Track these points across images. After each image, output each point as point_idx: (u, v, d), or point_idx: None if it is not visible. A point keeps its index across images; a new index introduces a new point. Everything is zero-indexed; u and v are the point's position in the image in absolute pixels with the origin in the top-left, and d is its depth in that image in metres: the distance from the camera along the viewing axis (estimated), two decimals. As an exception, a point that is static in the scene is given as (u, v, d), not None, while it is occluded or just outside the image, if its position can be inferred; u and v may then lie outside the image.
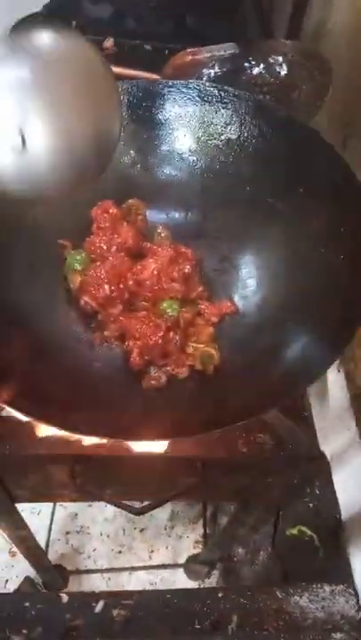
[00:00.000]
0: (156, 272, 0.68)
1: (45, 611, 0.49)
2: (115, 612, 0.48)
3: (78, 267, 0.69)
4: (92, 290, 0.67)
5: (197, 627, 0.47)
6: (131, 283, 0.68)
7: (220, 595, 0.50)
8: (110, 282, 0.67)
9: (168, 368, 0.64)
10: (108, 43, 1.07)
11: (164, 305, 0.67)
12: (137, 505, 0.68)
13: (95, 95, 0.49)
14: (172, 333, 0.65)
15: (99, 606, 0.48)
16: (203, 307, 0.70)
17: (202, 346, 0.66)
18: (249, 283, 0.71)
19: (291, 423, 0.58)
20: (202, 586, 1.30)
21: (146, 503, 0.61)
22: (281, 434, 0.60)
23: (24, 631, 0.49)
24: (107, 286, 0.67)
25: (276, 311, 0.66)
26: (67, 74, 0.47)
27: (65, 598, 0.49)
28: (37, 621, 0.48)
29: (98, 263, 0.68)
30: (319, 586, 0.53)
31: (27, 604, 0.49)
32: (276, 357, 0.61)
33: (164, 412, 0.61)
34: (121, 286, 0.68)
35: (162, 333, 0.64)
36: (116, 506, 0.57)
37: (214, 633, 0.46)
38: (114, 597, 0.49)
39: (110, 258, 0.69)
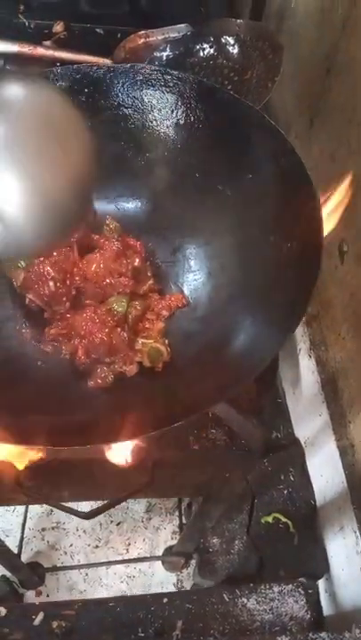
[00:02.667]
0: (102, 266, 0.66)
1: (-18, 625, 0.47)
2: (54, 624, 0.46)
3: (22, 263, 0.67)
4: (37, 287, 0.65)
5: (141, 635, 0.46)
6: (77, 278, 0.65)
7: (164, 600, 0.48)
8: (55, 278, 0.65)
9: (116, 366, 0.62)
10: (58, 26, 1.03)
11: (112, 301, 0.65)
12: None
13: (65, 143, 0.45)
14: (119, 330, 0.63)
15: (38, 619, 0.47)
16: (153, 301, 0.68)
17: (151, 342, 0.64)
18: (200, 273, 0.69)
19: (242, 417, 0.56)
20: (179, 576, 1.30)
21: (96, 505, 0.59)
22: (233, 428, 0.58)
23: None
24: (52, 283, 0.65)
25: (226, 301, 0.64)
26: (34, 127, 0.43)
27: (3, 612, 0.48)
28: (-26, 637, 0.47)
29: (41, 258, 0.66)
30: (268, 587, 0.52)
31: (-36, 619, 0.48)
32: (226, 348, 0.59)
33: (113, 413, 0.59)
34: (67, 282, 0.65)
35: (108, 330, 0.62)
36: (62, 510, 0.56)
37: (158, 640, 0.45)
38: (54, 608, 0.48)
39: (55, 252, 0.66)
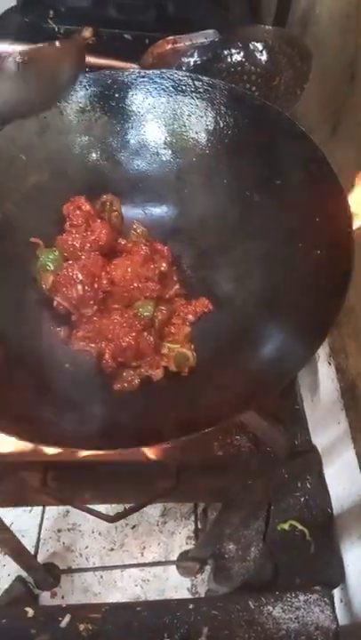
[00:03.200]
0: (130, 270, 0.66)
1: (10, 625, 0.47)
2: (81, 627, 0.46)
3: (51, 266, 0.67)
4: (65, 290, 0.65)
5: (167, 640, 0.46)
6: (105, 282, 0.66)
7: (190, 606, 0.48)
8: (83, 282, 0.65)
9: (142, 370, 0.62)
10: (87, 32, 1.03)
11: (139, 305, 0.65)
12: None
13: None
14: (146, 334, 0.63)
15: (64, 621, 0.47)
16: (179, 305, 0.68)
17: (177, 346, 0.64)
18: (226, 280, 0.69)
19: (268, 425, 0.56)
20: (194, 581, 1.30)
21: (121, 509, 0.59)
22: (258, 435, 0.58)
23: (-14, 647, 0.47)
24: (80, 286, 0.65)
25: (253, 308, 0.64)
26: None
27: (30, 612, 0.48)
28: (1, 636, 0.47)
29: (70, 262, 0.66)
30: (293, 595, 0.51)
31: (-9, 618, 0.48)
32: (253, 356, 0.59)
33: (138, 417, 0.59)
34: (95, 286, 0.66)
35: (135, 334, 0.62)
36: (88, 513, 0.56)
37: (184, 646, 0.45)
38: (81, 611, 0.48)
39: (83, 256, 0.67)
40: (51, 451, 0.58)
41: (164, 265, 0.68)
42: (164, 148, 0.72)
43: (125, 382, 0.61)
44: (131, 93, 0.71)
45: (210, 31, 0.96)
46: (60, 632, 0.46)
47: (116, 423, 0.57)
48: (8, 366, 0.58)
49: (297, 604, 0.50)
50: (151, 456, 0.60)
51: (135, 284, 0.66)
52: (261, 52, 0.87)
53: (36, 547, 1.28)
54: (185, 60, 0.92)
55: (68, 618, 0.47)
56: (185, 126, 0.71)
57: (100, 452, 0.55)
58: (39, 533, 1.29)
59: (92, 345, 0.64)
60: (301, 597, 0.51)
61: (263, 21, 1.32)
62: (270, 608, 0.50)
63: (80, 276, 0.65)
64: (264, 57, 0.86)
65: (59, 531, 1.37)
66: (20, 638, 0.47)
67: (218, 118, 0.69)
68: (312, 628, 0.49)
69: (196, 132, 0.71)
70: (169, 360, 0.63)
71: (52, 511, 1.38)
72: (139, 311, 0.65)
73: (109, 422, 0.57)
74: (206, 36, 0.96)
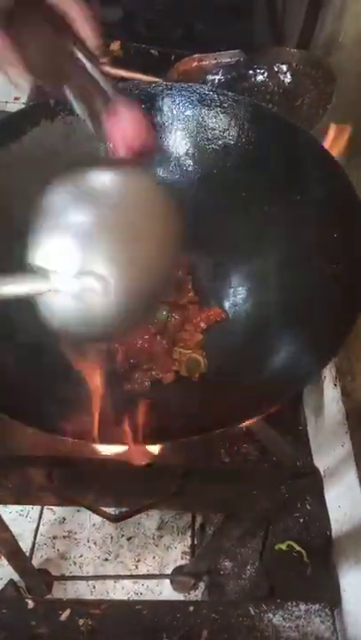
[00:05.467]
0: (146, 275, 0.67)
1: (10, 616, 0.47)
2: (81, 622, 0.46)
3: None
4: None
5: (166, 640, 0.45)
6: (120, 285, 0.67)
7: (191, 609, 0.48)
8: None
9: (153, 372, 0.63)
10: (115, 45, 1.07)
11: (153, 309, 0.66)
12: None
13: (157, 232, 0.48)
14: (159, 337, 0.64)
15: (64, 614, 0.47)
16: (192, 313, 0.69)
17: (189, 352, 0.64)
18: (240, 290, 0.70)
19: (276, 434, 0.57)
20: (187, 598, 1.28)
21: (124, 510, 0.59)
22: (266, 445, 0.58)
23: (-15, 637, 0.47)
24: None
25: (266, 319, 0.65)
26: (128, 214, 0.46)
27: (31, 604, 0.48)
28: (1, 626, 0.47)
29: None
30: (294, 604, 0.51)
31: (-9, 609, 0.48)
32: (263, 365, 0.60)
33: (146, 417, 0.59)
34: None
35: (148, 337, 0.63)
36: (94, 512, 0.56)
37: (183, 648, 0.45)
38: (81, 606, 0.48)
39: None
40: (57, 446, 0.59)
41: (179, 272, 0.69)
42: (186, 160, 0.74)
43: (136, 384, 0.62)
44: (157, 105, 0.72)
45: (235, 51, 0.99)
46: (59, 625, 0.46)
47: (121, 421, 0.58)
48: (20, 361, 0.59)
49: (298, 614, 0.50)
50: (157, 460, 0.60)
51: (150, 289, 0.67)
52: (286, 73, 0.89)
53: (31, 552, 1.27)
54: (210, 77, 0.95)
55: (68, 612, 0.47)
56: (207, 139, 0.73)
57: (103, 447, 0.56)
58: (35, 538, 1.28)
59: (105, 345, 0.65)
60: (302, 607, 0.51)
61: (286, 45, 1.35)
62: (271, 615, 0.49)
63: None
64: (288, 78, 0.88)
65: (54, 537, 1.36)
66: (20, 629, 0.47)
67: (240, 133, 0.71)
68: (312, 639, 0.49)
69: (218, 145, 0.72)
70: (180, 365, 0.64)
71: (48, 517, 1.37)
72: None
73: (116, 420, 0.58)
74: (232, 56, 0.99)
